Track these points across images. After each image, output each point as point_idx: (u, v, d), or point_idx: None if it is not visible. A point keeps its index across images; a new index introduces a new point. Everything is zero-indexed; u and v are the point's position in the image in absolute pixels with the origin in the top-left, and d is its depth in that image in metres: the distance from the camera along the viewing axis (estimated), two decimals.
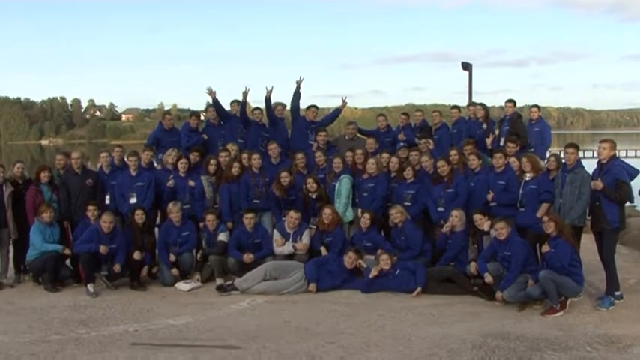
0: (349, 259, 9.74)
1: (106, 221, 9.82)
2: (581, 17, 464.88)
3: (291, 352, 6.98)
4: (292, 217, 10.33)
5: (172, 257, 10.23)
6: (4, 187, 10.14)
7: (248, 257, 10.13)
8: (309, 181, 10.64)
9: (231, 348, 7.10)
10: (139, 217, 10.11)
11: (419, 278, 9.36)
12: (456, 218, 9.76)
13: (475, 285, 9.28)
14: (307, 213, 10.74)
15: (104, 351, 7.07)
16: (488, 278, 8.98)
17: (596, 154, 9.30)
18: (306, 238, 10.36)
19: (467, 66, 18.90)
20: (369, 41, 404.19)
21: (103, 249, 9.70)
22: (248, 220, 10.30)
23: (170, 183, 10.68)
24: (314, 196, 10.65)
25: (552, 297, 8.21)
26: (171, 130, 12.11)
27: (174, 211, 10.32)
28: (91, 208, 10.15)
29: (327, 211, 10.29)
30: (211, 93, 11.72)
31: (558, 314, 8.17)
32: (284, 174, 10.67)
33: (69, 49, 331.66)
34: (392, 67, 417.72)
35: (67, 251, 10.04)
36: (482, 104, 12.31)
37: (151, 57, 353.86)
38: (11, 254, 10.57)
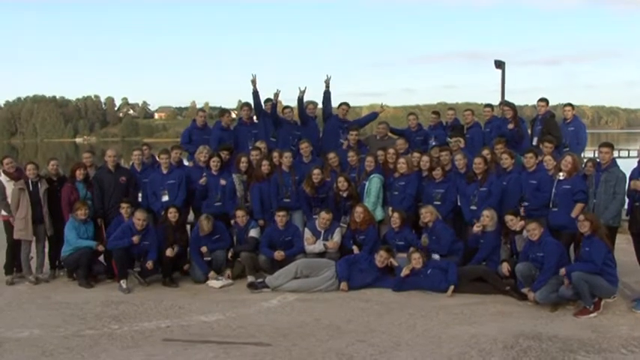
0: (380, 257, 9.72)
1: (140, 218, 9.92)
2: (617, 13, 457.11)
3: (321, 350, 6.99)
4: (324, 218, 10.34)
5: (204, 249, 10.28)
6: (39, 184, 10.31)
7: (279, 255, 10.16)
8: (340, 179, 10.64)
9: (261, 345, 7.13)
10: (172, 215, 10.19)
11: (451, 277, 9.30)
12: (487, 218, 9.69)
13: (507, 285, 9.19)
14: (338, 212, 10.74)
15: (136, 346, 7.17)
16: (504, 268, 9.19)
17: (631, 154, 9.15)
18: (337, 237, 10.36)
19: (500, 64, 18.70)
20: (400, 39, 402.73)
21: (135, 239, 9.80)
22: (280, 218, 10.34)
23: (202, 180, 10.75)
24: (345, 195, 10.65)
25: (585, 298, 8.10)
26: (203, 128, 12.21)
27: (205, 225, 10.27)
28: (124, 205, 10.27)
29: (358, 209, 10.28)
30: (254, 82, 11.77)
31: (591, 315, 8.05)
32: (316, 171, 10.68)
33: (103, 48, 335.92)
34: (423, 66, 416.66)
35: (101, 247, 10.17)
36: (510, 104, 12.20)
37: (184, 55, 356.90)
38: (46, 250, 10.73)
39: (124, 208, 10.25)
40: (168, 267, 10.12)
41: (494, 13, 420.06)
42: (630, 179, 8.59)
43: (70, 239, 10.08)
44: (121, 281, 9.78)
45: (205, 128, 12.22)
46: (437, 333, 7.51)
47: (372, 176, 10.73)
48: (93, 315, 8.45)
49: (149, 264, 9.92)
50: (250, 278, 10.03)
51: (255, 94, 11.80)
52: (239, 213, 10.49)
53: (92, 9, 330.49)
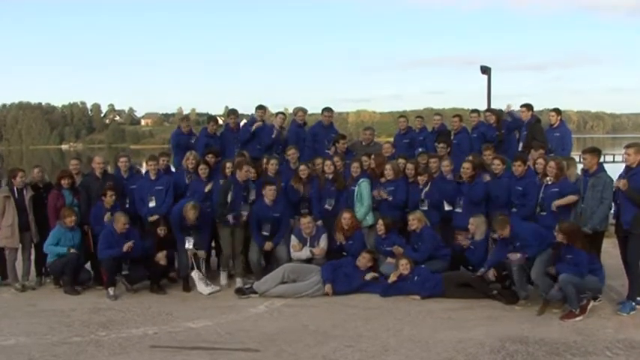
0: (363, 259, 9.79)
1: (123, 222, 9.86)
2: (602, 20, 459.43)
3: (309, 355, 7.01)
4: (304, 223, 10.35)
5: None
6: (24, 191, 10.28)
7: (268, 245, 10.27)
8: (327, 163, 10.73)
9: (249, 351, 7.14)
10: (162, 232, 10.13)
11: (436, 289, 9.37)
12: (472, 226, 9.73)
13: (494, 289, 9.24)
14: (322, 198, 10.78)
15: (124, 353, 7.15)
16: (490, 274, 9.15)
17: (616, 158, 9.18)
18: (323, 243, 10.38)
19: (486, 70, 18.78)
20: (387, 45, 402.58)
21: (127, 247, 9.70)
22: (271, 192, 10.31)
23: (208, 188, 10.71)
24: (330, 177, 10.70)
25: (572, 301, 8.16)
26: (189, 134, 12.27)
27: (191, 215, 10.03)
28: (109, 193, 10.23)
29: (345, 215, 10.31)
30: (257, 124, 12.01)
31: (577, 319, 8.10)
32: (302, 167, 10.77)
33: (89, 54, 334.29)
34: (411, 71, 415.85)
35: (72, 250, 10.02)
36: (491, 110, 12.32)
37: (170, 61, 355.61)
38: (33, 257, 10.67)
39: (109, 196, 10.14)
40: (157, 274, 10.10)
41: (481, 17, 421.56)
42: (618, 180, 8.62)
43: (47, 245, 10.02)
44: (109, 288, 9.75)
45: (191, 135, 12.28)
46: (424, 338, 7.53)
47: (360, 181, 10.74)
48: (80, 322, 8.42)
49: (129, 245, 9.76)
50: (239, 283, 10.08)
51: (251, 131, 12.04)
52: (246, 167, 10.45)
53: (78, 14, 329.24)
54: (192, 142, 11.97)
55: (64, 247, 10.04)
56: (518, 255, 8.77)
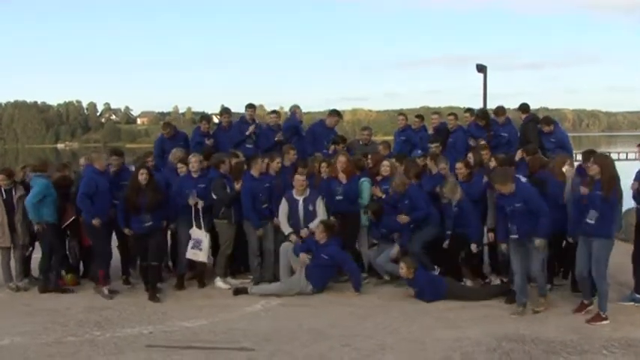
0: (317, 231, 9.70)
1: (105, 158, 9.82)
2: (598, 19, 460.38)
3: (304, 354, 6.99)
4: (298, 179, 10.17)
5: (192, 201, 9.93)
6: (13, 191, 10.17)
7: (277, 221, 10.22)
8: (323, 165, 10.64)
9: (245, 350, 7.12)
10: (144, 177, 9.62)
11: (438, 293, 9.25)
12: (444, 191, 9.66)
13: (506, 286, 9.23)
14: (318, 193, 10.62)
15: (119, 353, 7.13)
16: (503, 246, 8.70)
17: (611, 156, 8.99)
18: (320, 209, 10.22)
19: (482, 68, 18.76)
20: (383, 44, 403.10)
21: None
22: (264, 163, 10.34)
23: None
24: (325, 177, 10.59)
25: (603, 301, 7.98)
26: (171, 138, 12.09)
27: (193, 160, 10.15)
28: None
29: (342, 159, 10.24)
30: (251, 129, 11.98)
31: (604, 322, 7.88)
32: (300, 170, 10.65)
33: (85, 53, 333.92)
34: (406, 70, 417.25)
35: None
36: (478, 112, 12.36)
37: (166, 60, 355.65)
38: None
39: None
40: (154, 278, 10.00)
41: (477, 17, 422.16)
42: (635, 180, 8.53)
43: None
44: (104, 287, 9.71)
45: (176, 137, 12.17)
46: (421, 337, 7.53)
47: (362, 180, 10.67)
48: (75, 321, 8.40)
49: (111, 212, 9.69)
50: (235, 283, 10.10)
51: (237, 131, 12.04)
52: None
53: (74, 13, 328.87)
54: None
55: (50, 205, 9.87)
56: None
